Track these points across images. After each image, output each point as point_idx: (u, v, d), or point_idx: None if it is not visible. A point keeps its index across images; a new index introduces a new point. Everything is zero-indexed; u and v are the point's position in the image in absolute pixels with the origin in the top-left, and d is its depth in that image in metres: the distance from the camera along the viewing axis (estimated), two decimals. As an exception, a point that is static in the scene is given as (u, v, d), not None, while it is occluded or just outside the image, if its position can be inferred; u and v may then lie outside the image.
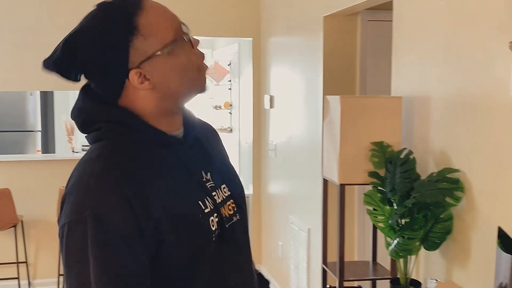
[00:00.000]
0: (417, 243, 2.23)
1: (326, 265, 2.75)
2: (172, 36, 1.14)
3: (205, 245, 1.16)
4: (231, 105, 5.90)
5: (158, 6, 1.17)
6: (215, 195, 1.23)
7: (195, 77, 1.19)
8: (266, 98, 4.80)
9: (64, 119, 5.47)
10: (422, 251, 2.33)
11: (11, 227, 4.57)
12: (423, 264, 2.50)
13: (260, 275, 1.49)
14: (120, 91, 1.16)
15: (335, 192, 2.54)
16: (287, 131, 4.37)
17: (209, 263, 1.17)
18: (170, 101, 1.20)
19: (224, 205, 1.25)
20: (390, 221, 2.28)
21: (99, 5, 1.17)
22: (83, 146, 5.19)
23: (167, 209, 1.11)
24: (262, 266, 4.97)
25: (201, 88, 1.22)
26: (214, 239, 1.18)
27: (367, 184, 2.45)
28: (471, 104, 2.12)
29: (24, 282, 4.85)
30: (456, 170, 2.19)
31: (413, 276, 2.44)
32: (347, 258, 2.60)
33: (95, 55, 1.14)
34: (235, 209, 1.29)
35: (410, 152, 2.35)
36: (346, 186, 2.50)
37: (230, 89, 5.90)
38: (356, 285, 2.73)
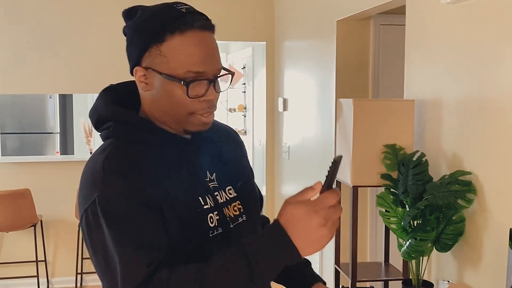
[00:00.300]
0: (429, 245, 2.21)
1: (339, 266, 2.75)
2: (181, 74, 1.16)
3: (202, 239, 1.19)
4: (245, 108, 5.91)
5: (200, 43, 1.18)
6: (217, 195, 1.27)
7: (184, 117, 1.21)
8: (280, 101, 4.80)
9: (82, 121, 5.50)
10: (434, 252, 2.31)
11: (31, 226, 4.61)
12: (435, 265, 2.49)
13: None
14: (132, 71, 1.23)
15: (348, 194, 2.53)
16: (300, 133, 4.37)
17: (206, 256, 1.17)
18: (161, 116, 1.24)
19: (228, 206, 1.28)
20: (402, 223, 2.27)
21: (170, 3, 1.22)
22: (100, 147, 5.23)
23: (167, 200, 1.16)
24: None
25: (187, 130, 1.24)
26: (213, 235, 1.21)
27: (380, 186, 2.44)
28: (483, 107, 2.11)
29: (43, 280, 4.88)
30: (468, 173, 2.17)
31: (425, 277, 2.43)
32: (359, 259, 2.60)
33: (132, 29, 1.22)
34: (242, 211, 1.31)
35: (423, 155, 2.34)
36: (358, 188, 2.49)
37: (244, 92, 5.91)
38: (368, 286, 2.72)
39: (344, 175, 2.53)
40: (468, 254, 2.23)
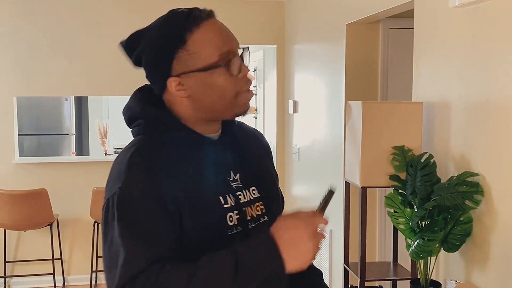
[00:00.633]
0: (437, 245, 2.21)
1: (348, 266, 2.74)
2: (216, 59, 1.19)
3: (220, 237, 1.20)
4: (256, 110, 5.91)
5: (215, 27, 1.22)
6: (239, 194, 1.27)
7: (231, 102, 1.24)
8: (290, 103, 4.80)
9: (97, 123, 5.53)
10: (442, 252, 2.30)
11: (47, 225, 4.64)
12: (443, 265, 2.48)
13: (311, 266, 1.51)
14: (162, 90, 1.25)
15: (357, 195, 2.53)
16: (310, 135, 4.37)
17: None
18: (205, 113, 1.26)
19: (251, 206, 1.29)
20: (410, 223, 2.27)
21: (170, 11, 1.25)
22: (115, 148, 5.25)
23: (187, 197, 1.18)
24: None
25: (239, 112, 1.27)
26: (231, 233, 1.22)
27: (388, 187, 2.44)
28: (491, 109, 2.10)
29: (59, 277, 4.92)
30: (476, 174, 2.16)
31: (433, 277, 2.42)
32: (368, 259, 2.59)
33: (148, 51, 1.23)
34: (264, 211, 1.32)
35: (431, 156, 2.33)
36: (367, 188, 2.48)
37: (255, 94, 5.92)
38: (377, 285, 2.71)
39: (354, 176, 2.52)
40: (475, 254, 2.22)
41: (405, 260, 2.73)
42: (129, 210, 1.14)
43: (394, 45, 3.59)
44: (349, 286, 2.73)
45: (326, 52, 4.03)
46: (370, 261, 3.16)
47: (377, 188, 3.29)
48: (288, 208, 1.43)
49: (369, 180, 2.45)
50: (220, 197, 1.23)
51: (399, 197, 2.37)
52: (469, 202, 2.14)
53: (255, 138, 1.46)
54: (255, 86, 5.88)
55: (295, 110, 4.73)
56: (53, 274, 4.70)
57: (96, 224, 4.73)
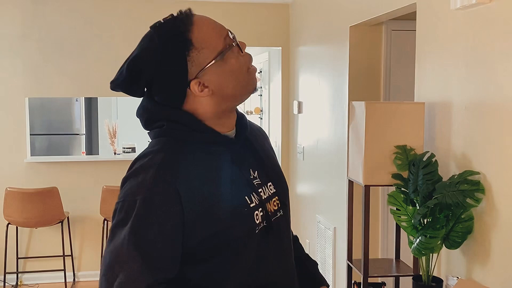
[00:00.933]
0: (439, 242, 2.20)
1: (351, 262, 2.74)
2: (222, 44, 1.20)
3: (248, 236, 1.20)
4: (261, 111, 5.92)
5: (205, 19, 1.23)
6: (261, 191, 1.27)
7: (246, 78, 1.25)
8: (295, 104, 4.80)
9: (106, 123, 5.55)
10: (444, 249, 2.30)
11: (58, 222, 4.66)
12: (445, 262, 2.47)
13: (308, 257, 1.53)
14: (183, 100, 1.22)
15: (360, 193, 2.53)
16: (314, 135, 4.37)
17: (254, 253, 1.21)
18: (227, 103, 1.25)
19: (269, 201, 1.29)
20: (412, 221, 2.27)
21: (154, 28, 1.22)
22: (124, 148, 5.27)
23: (215, 203, 1.16)
24: (290, 262, 4.97)
25: (253, 87, 1.28)
26: (257, 231, 1.22)
27: (391, 186, 2.44)
28: (491, 109, 2.10)
29: (69, 273, 4.94)
30: (477, 173, 2.16)
31: (435, 273, 2.41)
32: (371, 256, 2.59)
33: (157, 75, 1.20)
34: (279, 205, 1.32)
35: (432, 155, 2.33)
36: (370, 187, 2.48)
37: (260, 95, 5.92)
38: (380, 281, 2.72)
39: (357, 174, 2.52)
40: (476, 251, 2.22)
41: (407, 257, 2.73)
42: (146, 226, 1.11)
43: (396, 47, 3.59)
44: (353, 282, 2.73)
45: (330, 53, 4.03)
46: (373, 257, 3.17)
47: (380, 187, 3.30)
48: (292, 206, 1.44)
49: (372, 178, 2.45)
50: (246, 197, 1.22)
51: (402, 195, 2.37)
52: (470, 200, 2.14)
53: (258, 132, 1.46)
54: (261, 87, 5.88)
55: (299, 111, 4.73)
56: (64, 270, 4.72)
57: (105, 221, 4.75)
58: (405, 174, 2.39)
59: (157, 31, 1.20)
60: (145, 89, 1.24)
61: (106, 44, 4.90)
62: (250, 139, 1.34)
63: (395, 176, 2.40)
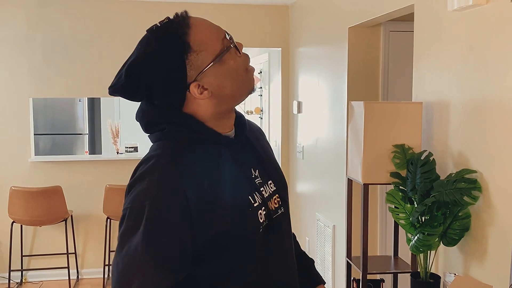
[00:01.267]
0: (436, 239, 2.21)
1: (350, 259, 2.74)
2: (220, 46, 1.18)
3: (253, 235, 1.20)
4: (261, 111, 5.92)
5: (202, 21, 1.21)
6: (263, 190, 1.26)
7: (245, 78, 1.24)
8: (294, 104, 4.80)
9: (109, 123, 5.55)
10: (441, 246, 2.30)
11: (62, 221, 4.66)
12: (442, 259, 2.48)
13: (304, 255, 1.53)
14: (183, 103, 1.21)
15: (359, 191, 2.53)
16: (313, 134, 4.37)
17: (257, 251, 1.21)
18: (226, 104, 1.23)
19: (271, 199, 1.28)
20: (411, 218, 2.27)
21: (150, 31, 1.20)
22: (126, 147, 5.27)
23: (220, 204, 1.16)
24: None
25: (251, 86, 1.26)
26: (261, 230, 1.22)
27: (389, 184, 2.44)
28: (488, 109, 2.10)
29: (73, 271, 4.94)
30: (474, 171, 2.16)
31: (433, 270, 2.42)
32: (370, 253, 2.59)
33: (156, 79, 1.18)
34: (280, 203, 1.31)
35: (430, 154, 2.33)
36: (369, 185, 2.49)
37: (260, 95, 5.92)
38: (378, 278, 2.72)
39: (356, 173, 2.53)
40: (473, 248, 2.22)
41: (405, 254, 2.73)
42: (157, 233, 1.10)
43: (394, 48, 3.59)
44: (352, 279, 2.73)
45: (329, 54, 4.03)
46: (372, 255, 3.17)
47: (378, 185, 3.29)
48: (292, 205, 1.45)
49: (371, 177, 2.45)
50: (250, 197, 1.22)
51: (400, 193, 2.37)
52: (468, 198, 2.14)
53: (256, 130, 1.44)
54: (261, 88, 5.88)
55: (299, 111, 4.73)
56: (68, 267, 4.71)
57: (108, 219, 4.75)
58: (403, 172, 2.39)
59: (154, 34, 1.18)
60: (145, 93, 1.22)
61: (109, 46, 4.90)
62: (250, 138, 1.33)
63: (394, 174, 2.40)
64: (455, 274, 2.24)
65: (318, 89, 4.24)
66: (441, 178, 2.27)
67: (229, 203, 1.17)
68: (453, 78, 2.36)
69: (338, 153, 3.71)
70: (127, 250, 1.10)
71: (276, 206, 1.30)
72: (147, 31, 1.21)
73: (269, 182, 1.31)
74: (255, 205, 1.21)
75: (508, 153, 1.98)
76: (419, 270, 2.32)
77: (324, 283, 1.50)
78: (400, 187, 2.37)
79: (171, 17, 1.20)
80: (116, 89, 1.22)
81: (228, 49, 1.19)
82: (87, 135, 7.13)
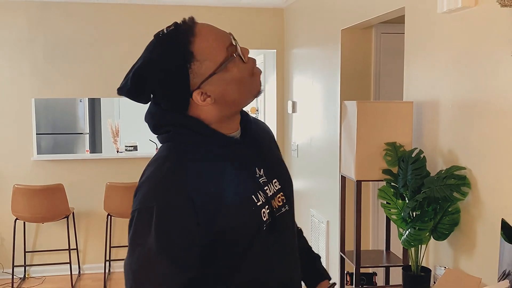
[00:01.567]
0: (427, 234, 2.21)
1: (344, 254, 2.75)
2: (224, 55, 1.16)
3: (257, 233, 1.20)
4: (257, 110, 5.92)
5: (208, 29, 1.18)
6: (266, 189, 1.25)
7: (250, 83, 1.22)
8: (289, 104, 4.81)
9: (109, 122, 5.54)
10: (432, 241, 2.31)
11: (64, 217, 4.65)
12: (433, 252, 2.48)
13: (310, 250, 1.52)
14: (186, 108, 1.20)
15: (352, 188, 2.54)
16: (308, 133, 4.37)
17: (261, 248, 1.20)
18: (230, 109, 1.22)
19: (274, 198, 1.27)
20: (402, 214, 2.27)
21: (157, 37, 1.19)
22: (126, 146, 5.26)
23: (224, 203, 1.15)
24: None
25: (257, 90, 1.25)
26: (265, 228, 1.21)
27: (381, 181, 2.44)
28: (477, 108, 2.11)
29: (75, 266, 4.93)
30: (463, 168, 2.17)
31: (424, 264, 2.42)
32: (362, 247, 2.60)
33: (160, 85, 1.17)
34: (284, 201, 1.30)
35: (421, 152, 2.34)
36: (362, 182, 2.49)
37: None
38: (371, 272, 2.72)
39: (349, 170, 2.53)
40: (463, 242, 2.23)
41: (397, 248, 2.74)
42: (168, 232, 1.11)
43: (386, 49, 3.60)
44: (345, 272, 2.74)
45: (323, 55, 4.03)
46: (365, 249, 3.18)
47: (371, 182, 3.30)
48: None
49: (364, 174, 2.45)
50: (253, 196, 1.21)
51: (392, 190, 2.37)
52: (457, 194, 2.15)
53: (263, 129, 1.42)
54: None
55: (294, 110, 4.74)
56: (70, 263, 4.70)
57: (109, 216, 4.74)
58: (395, 169, 2.39)
59: (159, 41, 1.18)
60: (150, 97, 1.22)
61: (108, 48, 4.89)
62: (256, 137, 1.32)
63: (386, 171, 2.41)
64: (445, 267, 2.25)
65: (312, 89, 4.24)
66: (431, 175, 2.27)
67: (232, 202, 1.17)
68: (443, 79, 2.36)
69: (332, 151, 3.72)
70: (140, 250, 1.11)
71: (280, 204, 1.29)
72: (154, 36, 1.20)
73: (273, 181, 1.29)
74: (258, 204, 1.20)
75: (495, 151, 1.98)
76: (410, 264, 2.33)
77: (330, 278, 1.47)
78: (392, 183, 2.38)
79: (179, 21, 1.19)
80: (123, 92, 1.21)
81: (232, 58, 1.17)
82: (88, 135, 7.11)
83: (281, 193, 1.30)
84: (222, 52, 1.17)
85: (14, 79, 4.82)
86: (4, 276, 4.82)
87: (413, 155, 2.33)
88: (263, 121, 1.51)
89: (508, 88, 1.89)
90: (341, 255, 2.78)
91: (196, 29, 1.16)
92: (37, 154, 5.13)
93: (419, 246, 2.26)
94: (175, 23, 1.18)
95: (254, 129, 1.32)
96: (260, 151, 1.31)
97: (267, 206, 1.22)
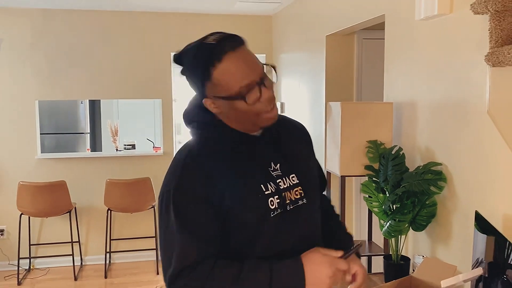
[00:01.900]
0: (406, 225, 2.22)
1: (329, 244, 2.75)
2: (236, 90, 1.18)
3: (263, 218, 1.24)
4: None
5: (237, 60, 1.18)
6: (279, 181, 1.28)
7: (253, 120, 1.24)
8: (277, 105, 4.80)
9: (109, 123, 5.50)
10: (411, 231, 2.32)
11: (66, 212, 4.62)
12: (412, 242, 2.50)
13: (342, 230, 1.55)
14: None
15: (337, 183, 2.54)
16: (295, 132, 4.36)
17: (269, 232, 1.24)
18: (235, 126, 1.27)
19: (290, 191, 1.30)
20: (383, 207, 2.28)
21: (198, 42, 1.22)
22: (124, 145, 5.23)
23: (234, 187, 1.21)
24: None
25: (261, 126, 1.28)
26: (273, 215, 1.25)
27: (364, 176, 2.45)
28: (452, 107, 2.12)
29: (77, 258, 4.91)
30: (439, 164, 2.18)
31: (403, 253, 2.43)
32: (347, 238, 2.59)
33: (187, 73, 1.24)
34: (302, 195, 1.32)
35: (400, 149, 2.35)
36: (346, 177, 2.50)
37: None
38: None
39: (334, 166, 2.53)
40: (439, 233, 2.24)
41: (378, 239, 2.75)
42: (184, 209, 1.19)
43: (367, 54, 3.61)
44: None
45: (309, 59, 4.03)
46: (348, 240, 3.17)
47: (354, 177, 3.31)
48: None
49: (347, 170, 2.46)
50: (262, 185, 1.25)
51: (373, 184, 2.38)
52: (434, 188, 2.16)
53: (295, 130, 1.45)
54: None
55: (282, 111, 4.73)
56: (72, 255, 4.68)
57: (109, 211, 4.72)
58: (376, 165, 2.40)
59: (194, 47, 1.21)
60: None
61: (108, 52, 4.86)
62: (281, 136, 1.35)
63: (368, 167, 2.41)
64: (423, 256, 2.26)
65: (299, 91, 4.25)
66: (410, 170, 2.28)
67: (241, 187, 1.22)
68: (420, 81, 2.37)
69: (318, 149, 3.69)
70: (164, 229, 1.21)
71: (298, 197, 1.31)
72: (199, 39, 1.23)
73: (290, 176, 1.31)
74: (266, 192, 1.24)
75: (470, 147, 2.00)
76: (391, 253, 2.34)
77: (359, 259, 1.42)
78: (374, 178, 2.39)
79: (225, 34, 1.21)
80: (174, 59, 1.30)
81: (239, 98, 1.18)
82: (89, 134, 7.06)
83: (299, 187, 1.32)
84: (235, 88, 1.18)
85: (19, 82, 4.78)
86: (10, 267, 4.79)
87: (393, 152, 2.34)
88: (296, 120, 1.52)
89: (480, 90, 1.90)
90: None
91: (225, 57, 1.17)
92: (41, 152, 5.09)
93: (399, 236, 2.27)
94: (221, 38, 1.20)
95: (281, 126, 1.35)
96: (280, 148, 1.34)
97: (276, 196, 1.26)
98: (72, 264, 4.70)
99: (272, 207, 1.24)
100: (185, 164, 1.22)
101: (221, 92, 1.19)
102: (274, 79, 1.27)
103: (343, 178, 2.48)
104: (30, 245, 4.83)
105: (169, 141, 5.11)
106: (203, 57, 1.18)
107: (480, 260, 1.75)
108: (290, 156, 1.34)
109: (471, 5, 1.80)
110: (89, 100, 7.04)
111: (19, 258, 4.62)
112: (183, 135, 7.11)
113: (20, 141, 4.84)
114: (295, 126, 1.47)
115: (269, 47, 5.09)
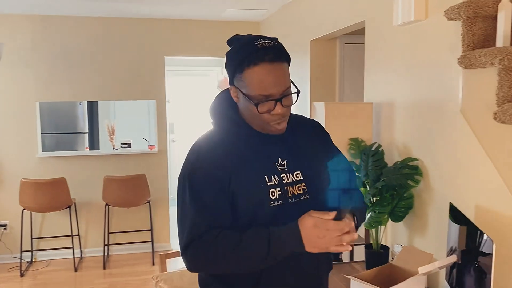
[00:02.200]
0: (386, 216, 2.23)
1: (314, 235, 2.75)
2: (254, 96, 1.23)
3: (262, 206, 1.26)
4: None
5: (265, 73, 1.22)
6: (283, 176, 1.30)
7: (259, 125, 1.30)
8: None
9: (106, 122, 5.46)
10: (390, 222, 2.33)
11: (67, 207, 4.58)
12: (391, 232, 2.51)
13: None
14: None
15: (321, 178, 2.54)
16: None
17: (267, 220, 1.25)
18: (250, 120, 1.31)
19: (293, 186, 1.31)
20: (364, 199, 2.29)
21: (249, 39, 1.26)
22: (121, 144, 5.19)
23: (241, 174, 1.25)
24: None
25: (269, 133, 1.30)
26: (273, 205, 1.27)
27: (346, 171, 2.45)
28: (427, 107, 2.13)
29: (77, 250, 4.86)
30: (416, 159, 2.19)
31: (383, 242, 2.45)
32: (330, 229, 2.60)
33: (228, 58, 1.29)
34: (305, 191, 1.32)
35: (379, 146, 2.36)
36: (329, 172, 2.50)
37: (236, 98, 5.89)
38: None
39: (318, 162, 2.53)
40: (416, 223, 2.26)
41: (360, 229, 2.76)
42: (198, 187, 1.24)
43: (349, 57, 3.62)
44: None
45: (294, 63, 4.01)
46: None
47: (337, 172, 3.31)
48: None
49: (331, 165, 2.46)
50: (266, 176, 1.27)
51: (355, 179, 2.39)
52: (411, 181, 2.17)
53: (308, 129, 1.43)
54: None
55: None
56: (72, 247, 4.64)
57: (107, 206, 4.69)
58: (357, 161, 2.41)
59: (244, 42, 1.25)
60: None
61: (105, 56, 4.82)
62: (293, 134, 1.35)
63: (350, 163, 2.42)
64: (401, 245, 2.27)
65: (285, 92, 4.24)
66: (388, 166, 2.30)
67: (247, 177, 1.25)
68: (398, 82, 2.38)
69: (303, 146, 3.72)
70: (181, 205, 1.28)
71: (300, 192, 1.31)
72: (248, 34, 1.30)
73: (295, 173, 1.32)
74: (268, 183, 1.27)
75: (443, 144, 2.01)
76: (371, 242, 2.35)
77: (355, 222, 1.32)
78: (355, 173, 2.39)
79: (277, 42, 1.27)
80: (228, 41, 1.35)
81: (253, 103, 1.23)
82: (87, 134, 7.00)
83: (303, 184, 1.32)
84: (254, 93, 1.23)
85: (20, 84, 4.72)
86: (13, 260, 4.73)
87: (373, 149, 2.35)
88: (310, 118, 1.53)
89: (453, 91, 1.92)
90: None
91: (260, 64, 1.21)
92: (42, 151, 5.03)
93: (379, 227, 2.28)
94: (266, 46, 1.23)
95: (294, 125, 1.36)
96: (289, 146, 1.34)
97: (278, 189, 1.27)
98: (72, 256, 4.66)
99: (273, 198, 1.26)
100: (199, 153, 1.28)
101: (243, 88, 1.24)
102: (293, 101, 1.29)
103: (327, 173, 2.48)
104: (32, 238, 4.78)
105: (163, 139, 5.08)
106: (244, 54, 1.23)
107: (454, 248, 1.76)
108: (299, 155, 1.34)
109: (445, 11, 1.81)
110: (87, 101, 6.97)
111: (21, 251, 4.57)
112: (176, 134, 7.06)
113: (22, 141, 4.79)
114: (311, 125, 1.46)
115: (257, 51, 5.07)
